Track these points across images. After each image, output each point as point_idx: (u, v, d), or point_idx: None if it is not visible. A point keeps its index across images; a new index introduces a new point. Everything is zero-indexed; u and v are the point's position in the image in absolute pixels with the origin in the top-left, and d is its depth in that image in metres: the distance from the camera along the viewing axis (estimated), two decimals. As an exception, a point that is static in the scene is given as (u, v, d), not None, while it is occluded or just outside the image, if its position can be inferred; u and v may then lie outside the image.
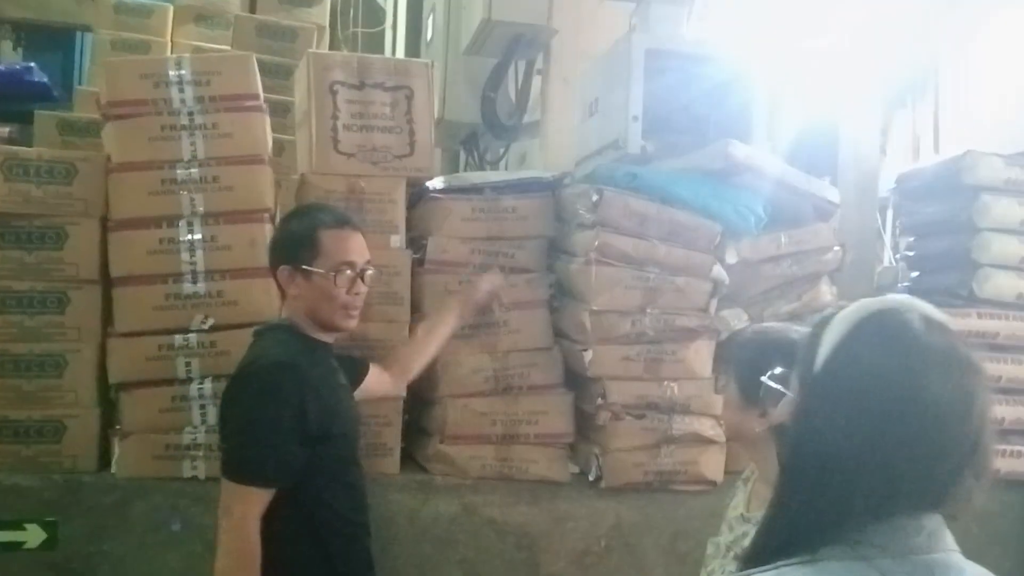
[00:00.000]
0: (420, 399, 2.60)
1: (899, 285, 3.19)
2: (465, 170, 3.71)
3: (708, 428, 2.60)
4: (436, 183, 2.60)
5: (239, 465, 1.75)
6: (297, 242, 1.92)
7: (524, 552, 2.53)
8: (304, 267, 1.89)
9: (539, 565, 2.53)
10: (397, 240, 2.47)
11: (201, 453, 2.27)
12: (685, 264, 2.58)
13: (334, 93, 2.49)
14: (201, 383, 2.29)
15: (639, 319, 2.55)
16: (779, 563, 0.90)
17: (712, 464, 2.60)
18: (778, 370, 1.50)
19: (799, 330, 1.66)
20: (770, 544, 0.95)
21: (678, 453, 2.57)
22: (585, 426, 2.59)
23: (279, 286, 1.94)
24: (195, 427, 2.29)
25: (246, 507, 1.71)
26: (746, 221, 2.63)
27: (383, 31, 5.87)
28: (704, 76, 3.60)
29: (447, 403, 2.49)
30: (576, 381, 2.62)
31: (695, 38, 3.87)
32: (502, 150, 3.63)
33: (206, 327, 2.29)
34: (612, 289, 2.52)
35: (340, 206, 2.44)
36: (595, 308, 2.50)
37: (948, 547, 0.91)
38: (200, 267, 2.29)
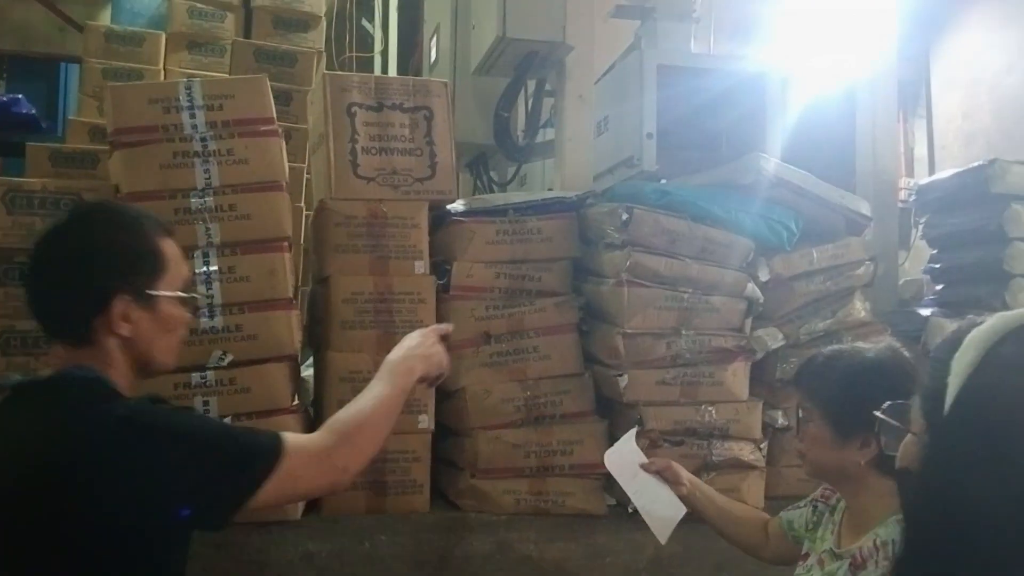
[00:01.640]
0: (447, 431, 2.48)
1: (924, 299, 3.12)
2: (474, 194, 3.61)
3: (748, 453, 2.50)
4: (458, 206, 2.50)
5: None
6: (137, 258, 1.34)
7: (562, 589, 2.41)
8: (149, 292, 1.34)
9: (579, 602, 2.41)
10: (421, 266, 2.37)
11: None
12: (719, 282, 2.50)
13: (352, 115, 2.39)
14: (221, 423, 2.16)
15: (674, 341, 2.46)
16: None
17: (753, 490, 2.51)
18: (892, 402, 1.42)
19: (874, 348, 1.57)
20: None
21: (718, 480, 2.46)
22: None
23: (102, 328, 1.31)
24: (215, 470, 2.15)
25: None
26: (779, 237, 2.56)
27: (372, 57, 5.79)
28: (715, 91, 3.55)
29: (478, 435, 2.37)
30: (608, 408, 2.51)
31: (702, 53, 3.84)
32: (511, 172, 3.53)
33: (224, 363, 2.16)
34: (645, 310, 2.42)
35: (361, 232, 2.34)
36: (628, 331, 2.41)
37: None
38: (217, 300, 2.17)
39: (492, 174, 3.62)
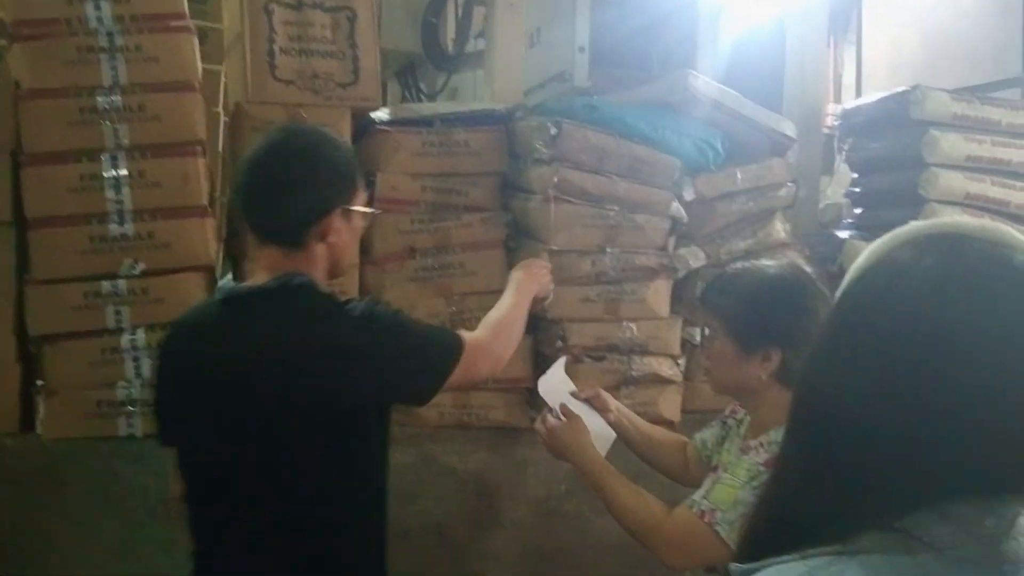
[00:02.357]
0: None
1: (844, 222, 3.20)
2: (401, 102, 3.51)
3: (667, 368, 2.56)
4: (383, 115, 2.42)
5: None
6: (349, 178, 1.51)
7: (485, 500, 2.46)
8: (349, 208, 1.50)
9: (500, 512, 2.46)
10: (352, 177, 2.29)
11: (137, 409, 2.08)
12: (645, 201, 2.50)
13: (269, 13, 2.26)
14: (133, 333, 2.09)
15: (599, 259, 2.47)
16: (808, 552, 0.68)
17: (670, 404, 2.57)
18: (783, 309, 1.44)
19: (776, 265, 1.60)
20: (787, 523, 0.73)
21: (637, 394, 2.53)
22: (544, 370, 2.50)
23: (316, 235, 1.46)
24: (129, 381, 2.09)
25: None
26: (704, 156, 2.57)
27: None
28: (648, 8, 3.50)
29: (402, 349, 2.35)
30: (534, 324, 2.52)
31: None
32: (440, 83, 3.43)
33: (136, 272, 2.08)
34: (571, 227, 2.42)
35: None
36: (554, 247, 2.40)
37: None
38: (127, 206, 2.07)
39: (421, 85, 3.51)
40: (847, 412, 0.69)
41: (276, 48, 2.27)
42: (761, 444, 1.50)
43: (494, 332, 1.70)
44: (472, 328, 1.69)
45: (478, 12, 3.14)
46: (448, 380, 1.54)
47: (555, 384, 2.07)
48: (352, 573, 1.50)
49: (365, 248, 2.35)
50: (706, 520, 1.47)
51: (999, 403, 0.65)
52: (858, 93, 5.85)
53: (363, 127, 2.42)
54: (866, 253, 0.78)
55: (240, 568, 1.41)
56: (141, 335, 2.09)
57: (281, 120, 2.23)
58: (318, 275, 1.49)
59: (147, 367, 2.08)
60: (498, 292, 2.45)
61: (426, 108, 2.54)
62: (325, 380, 1.38)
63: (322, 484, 1.41)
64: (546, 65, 3.29)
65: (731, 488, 1.47)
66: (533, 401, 2.52)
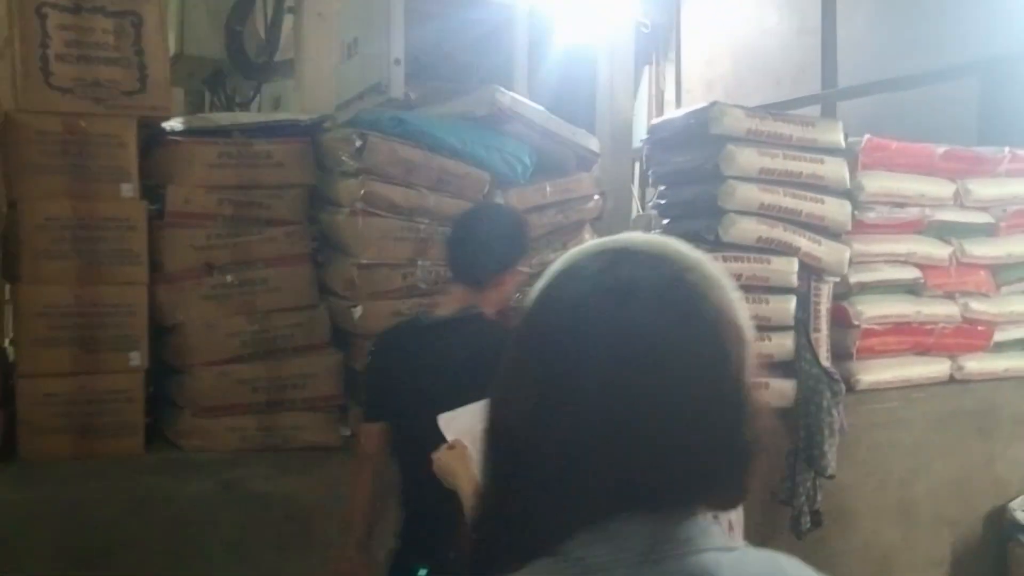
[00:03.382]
0: (169, 368, 2.33)
1: (652, 232, 3.34)
2: (211, 112, 3.36)
3: (481, 380, 2.57)
4: (175, 124, 2.30)
5: None
6: (527, 244, 1.97)
7: (295, 523, 2.36)
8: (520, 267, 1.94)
9: (312, 534, 2.38)
10: (129, 189, 2.16)
11: None
12: (455, 213, 2.50)
13: (43, 16, 2.10)
14: None
15: (410, 272, 2.44)
16: None
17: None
18: None
19: None
20: (481, 552, 0.71)
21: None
22: (356, 387, 2.45)
23: (495, 283, 1.85)
24: None
25: None
26: (513, 170, 2.60)
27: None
28: (467, 21, 3.53)
29: (199, 372, 2.24)
30: (345, 340, 2.47)
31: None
32: (252, 91, 3.31)
33: None
34: (381, 241, 2.39)
35: (56, 150, 2.09)
36: (363, 261, 2.36)
37: (699, 547, 0.64)
38: None
39: (235, 95, 3.38)
40: (512, 429, 0.67)
41: (51, 54, 2.11)
42: None
43: None
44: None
45: (288, 20, 3.04)
46: None
47: (461, 421, 2.05)
48: None
49: (155, 265, 2.22)
50: None
51: (653, 415, 0.63)
52: (678, 108, 6.16)
53: (154, 138, 2.29)
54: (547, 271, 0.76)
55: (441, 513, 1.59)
56: None
57: (59, 131, 2.08)
58: (488, 309, 1.84)
59: None
60: (305, 308, 2.40)
61: (224, 118, 2.44)
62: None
63: None
64: (364, 76, 3.23)
65: None
66: (345, 418, 2.47)
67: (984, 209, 3.61)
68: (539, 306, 0.71)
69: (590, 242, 0.76)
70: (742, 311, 0.71)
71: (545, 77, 3.62)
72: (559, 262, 0.74)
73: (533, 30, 3.48)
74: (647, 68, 6.48)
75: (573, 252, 0.74)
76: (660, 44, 6.44)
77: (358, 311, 2.34)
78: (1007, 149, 3.60)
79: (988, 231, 3.63)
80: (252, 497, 2.30)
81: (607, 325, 0.65)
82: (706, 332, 0.66)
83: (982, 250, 3.59)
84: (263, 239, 2.33)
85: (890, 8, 4.63)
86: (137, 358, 2.16)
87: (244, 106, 3.30)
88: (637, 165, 4.89)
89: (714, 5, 5.99)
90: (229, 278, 2.29)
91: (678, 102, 6.22)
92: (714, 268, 0.72)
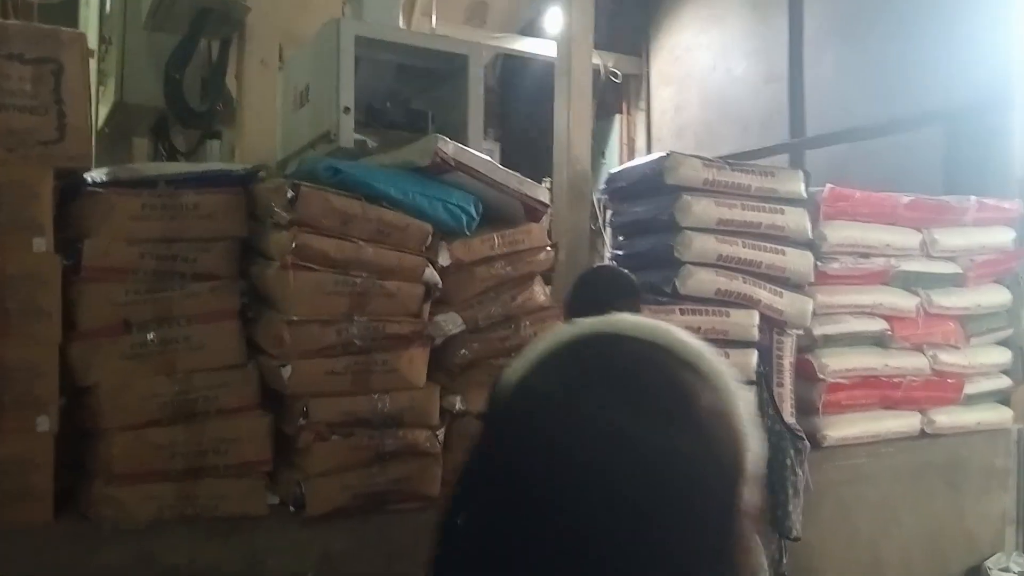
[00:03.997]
0: (83, 432, 2.18)
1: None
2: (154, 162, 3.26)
3: (424, 440, 2.43)
4: (97, 175, 2.19)
5: None
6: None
7: (216, 599, 2.21)
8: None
9: (235, 612, 2.22)
10: (42, 243, 2.04)
11: None
12: (395, 267, 2.39)
13: (-48, 61, 2.00)
14: None
15: (346, 328, 2.32)
16: None
17: (428, 478, 2.44)
18: None
19: None
20: None
21: (391, 469, 2.38)
22: (286, 450, 2.32)
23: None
24: None
25: None
26: (458, 221, 2.50)
27: (75, 2, 5.12)
28: (419, 68, 3.46)
29: (113, 436, 2.10)
30: (275, 400, 2.34)
31: (413, 30, 3.73)
32: (196, 141, 3.22)
33: None
34: (313, 296, 2.27)
35: (-39, 202, 1.98)
36: (294, 317, 2.24)
37: None
38: None
39: (178, 143, 3.28)
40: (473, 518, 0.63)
41: (-40, 100, 2.00)
42: None
43: None
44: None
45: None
46: None
47: None
48: None
49: (70, 323, 2.09)
50: None
51: (614, 537, 0.56)
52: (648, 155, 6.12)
53: (72, 188, 2.18)
54: (522, 359, 0.71)
55: None
56: None
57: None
58: None
59: None
60: (232, 367, 2.27)
61: (151, 168, 2.33)
62: None
63: None
64: (314, 125, 3.15)
65: None
66: (273, 486, 2.32)
67: (951, 259, 3.56)
68: (517, 393, 0.66)
69: (579, 323, 0.71)
70: (744, 416, 0.64)
71: (510, 125, 3.55)
72: (543, 343, 0.69)
73: (492, 85, 3.41)
74: (618, 117, 6.47)
75: (558, 334, 0.69)
76: (631, 93, 6.44)
77: (287, 370, 2.21)
78: (973, 198, 3.55)
79: (956, 281, 3.56)
80: (170, 570, 2.15)
81: (585, 427, 0.59)
82: (694, 443, 0.59)
83: (950, 300, 3.52)
84: (187, 294, 2.20)
85: (856, 57, 4.62)
86: (45, 423, 2.02)
87: (190, 157, 3.20)
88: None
89: (682, 55, 5.99)
90: (149, 336, 2.16)
91: (649, 150, 6.19)
92: (716, 363, 0.66)
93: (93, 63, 3.73)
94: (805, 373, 3.21)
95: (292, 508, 2.27)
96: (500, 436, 0.67)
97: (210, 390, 2.20)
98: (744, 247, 3.02)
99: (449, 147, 2.46)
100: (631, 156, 6.32)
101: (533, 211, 2.66)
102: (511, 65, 6.05)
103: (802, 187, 3.16)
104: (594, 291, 2.24)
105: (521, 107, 5.58)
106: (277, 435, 2.30)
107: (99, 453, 2.11)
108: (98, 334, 2.11)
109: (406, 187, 2.41)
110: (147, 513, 2.11)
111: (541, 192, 2.65)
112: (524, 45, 5.29)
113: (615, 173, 3.29)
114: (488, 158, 2.57)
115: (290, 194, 2.22)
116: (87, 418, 2.13)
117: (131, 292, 2.15)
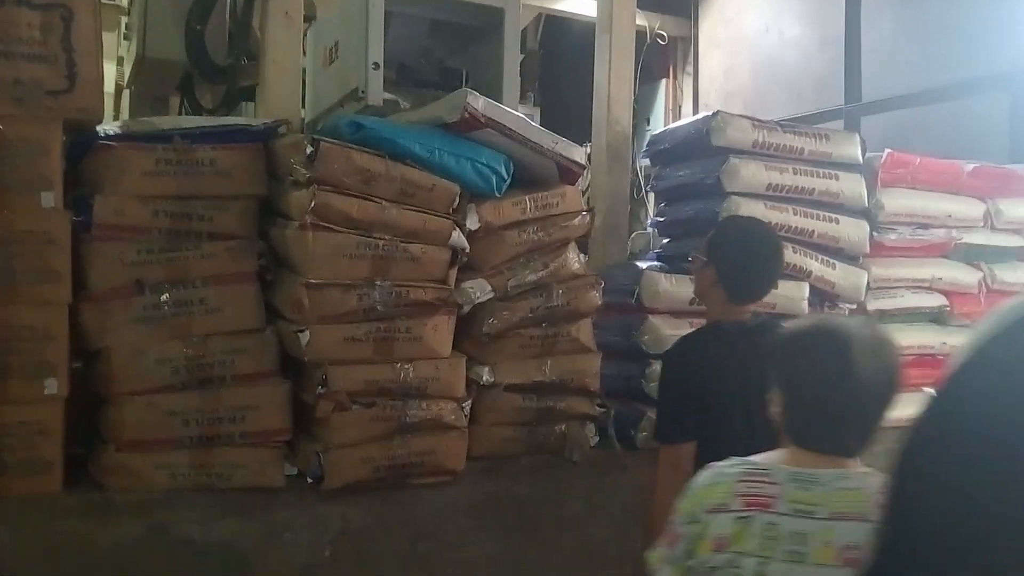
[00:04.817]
0: (96, 398, 2.11)
1: (651, 252, 3.08)
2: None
3: (449, 412, 2.32)
4: (109, 128, 2.10)
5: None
6: None
7: (233, 573, 2.13)
8: None
9: (251, 586, 2.14)
10: (50, 199, 1.95)
11: None
12: (420, 229, 2.27)
13: (-44, 6, 1.91)
14: None
15: (367, 293, 2.21)
16: None
17: (453, 452, 2.33)
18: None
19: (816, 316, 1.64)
20: None
21: (414, 443, 2.27)
22: (305, 420, 2.22)
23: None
24: None
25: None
26: (488, 182, 2.36)
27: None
28: (456, 25, 3.31)
29: (124, 402, 2.02)
30: (295, 368, 2.23)
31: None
32: (222, 97, 3.11)
33: None
34: (333, 258, 2.16)
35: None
36: (313, 281, 2.13)
37: None
38: None
39: (204, 101, 3.18)
40: (957, 500, 0.64)
41: (-35, 47, 1.91)
42: None
43: None
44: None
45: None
46: None
47: None
48: None
49: (80, 283, 2.01)
50: None
51: None
52: (694, 122, 5.88)
53: (85, 143, 2.08)
54: (988, 322, 0.69)
55: None
56: None
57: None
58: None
59: None
60: (249, 332, 2.17)
61: (166, 121, 2.22)
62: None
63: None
64: (342, 82, 3.03)
65: None
66: (292, 456, 2.23)
67: (1015, 231, 3.32)
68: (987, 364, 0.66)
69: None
70: None
71: (552, 89, 3.39)
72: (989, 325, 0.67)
73: (530, 41, 3.25)
74: (664, 82, 6.23)
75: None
76: (678, 57, 6.19)
77: (305, 336, 2.11)
78: (1041, 167, 3.30)
79: (1020, 255, 3.33)
80: (184, 543, 2.07)
81: None
82: None
83: (1014, 276, 3.28)
84: (202, 255, 2.11)
85: (916, 19, 4.34)
86: (54, 386, 1.94)
87: (214, 113, 3.10)
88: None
89: (733, 17, 5.73)
90: (163, 298, 2.06)
91: (695, 115, 5.96)
92: None
93: (123, 18, 3.65)
94: (857, 350, 3.02)
95: (310, 480, 2.17)
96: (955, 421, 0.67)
97: (226, 355, 2.11)
98: (795, 215, 2.83)
99: (479, 102, 2.31)
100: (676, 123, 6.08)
101: (568, 172, 2.51)
102: (554, 26, 5.86)
103: (858, 151, 2.95)
104: (760, 248, 2.00)
105: (564, 71, 5.39)
106: (296, 404, 2.20)
107: (110, 419, 2.03)
108: (110, 296, 2.03)
109: (433, 144, 2.27)
110: (160, 482, 2.03)
111: (577, 152, 2.49)
112: (567, 5, 5.09)
113: (658, 135, 3.11)
114: (521, 115, 2.42)
115: (309, 150, 2.10)
116: (98, 383, 2.05)
117: (144, 252, 2.06)
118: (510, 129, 2.36)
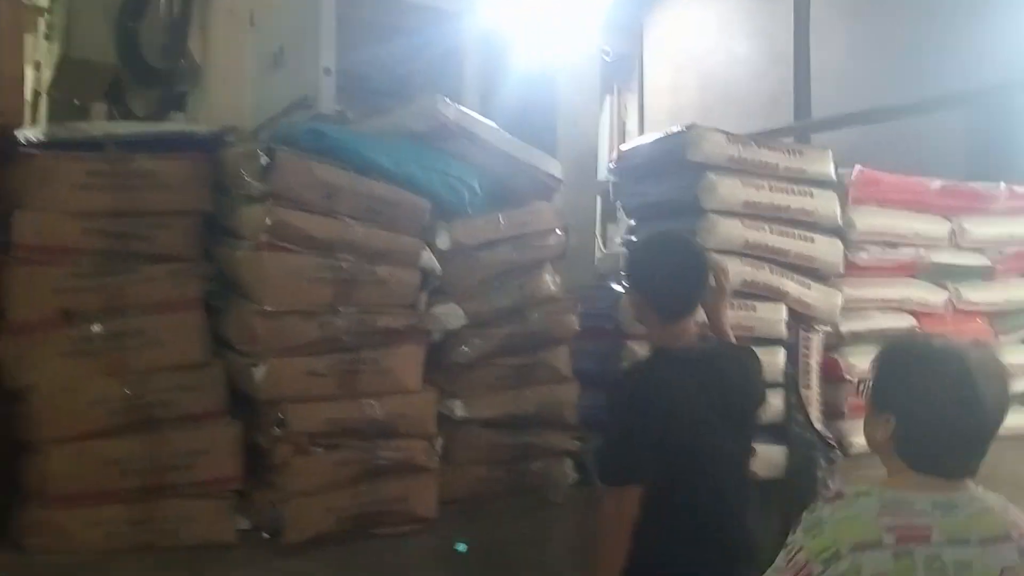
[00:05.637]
0: (17, 444, 1.82)
1: (621, 272, 2.93)
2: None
3: (420, 452, 2.11)
4: (32, 135, 1.83)
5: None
6: None
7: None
8: None
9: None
10: (-39, 215, 1.68)
11: None
12: (388, 249, 2.08)
13: None
14: None
15: (330, 321, 2.00)
16: None
17: (424, 497, 2.12)
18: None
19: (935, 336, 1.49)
20: None
21: (383, 488, 2.06)
22: (259, 466, 1.97)
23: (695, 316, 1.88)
24: None
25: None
26: (459, 197, 2.18)
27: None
28: (410, 31, 3.13)
29: (50, 449, 1.75)
30: (247, 407, 1.99)
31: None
32: (156, 103, 2.84)
33: None
34: (291, 282, 1.94)
35: None
36: (268, 308, 1.91)
37: None
38: None
39: (135, 107, 2.89)
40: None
41: None
42: None
43: None
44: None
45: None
46: None
47: None
48: None
49: (0, 313, 1.74)
50: None
51: None
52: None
53: (4, 150, 1.81)
54: None
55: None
56: None
57: None
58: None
59: None
60: (194, 366, 1.92)
61: (97, 128, 1.97)
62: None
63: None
64: (290, 89, 2.81)
65: None
66: (244, 508, 1.98)
67: (979, 250, 3.30)
68: None
69: None
70: None
71: (500, 101, 3.23)
72: None
73: (488, 51, 3.10)
74: (608, 98, 6.17)
75: None
76: (622, 73, 6.13)
77: (260, 371, 1.88)
78: (1003, 185, 3.29)
79: (984, 274, 3.31)
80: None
81: None
82: None
83: (979, 295, 3.26)
84: (141, 279, 1.87)
85: (866, 37, 4.36)
86: (-37, 433, 1.66)
87: (147, 119, 2.82)
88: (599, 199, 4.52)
89: (679, 32, 5.70)
90: (96, 329, 1.81)
91: (641, 132, 5.90)
92: None
93: (41, 19, 3.34)
94: (831, 374, 2.93)
95: (266, 535, 1.93)
96: None
97: (168, 393, 1.87)
98: (772, 233, 2.73)
99: (451, 110, 2.13)
100: (622, 139, 6.03)
101: (543, 187, 2.34)
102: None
103: (831, 168, 2.87)
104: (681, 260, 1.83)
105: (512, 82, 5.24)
106: (249, 448, 1.96)
107: (35, 469, 1.76)
108: (34, 327, 1.78)
109: (400, 156, 2.09)
110: (94, 541, 1.78)
111: (554, 165, 2.33)
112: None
113: (626, 150, 2.98)
114: (493, 124, 2.24)
115: (264, 161, 1.89)
116: (21, 427, 1.77)
117: (74, 276, 1.82)
118: (483, 139, 2.19)
